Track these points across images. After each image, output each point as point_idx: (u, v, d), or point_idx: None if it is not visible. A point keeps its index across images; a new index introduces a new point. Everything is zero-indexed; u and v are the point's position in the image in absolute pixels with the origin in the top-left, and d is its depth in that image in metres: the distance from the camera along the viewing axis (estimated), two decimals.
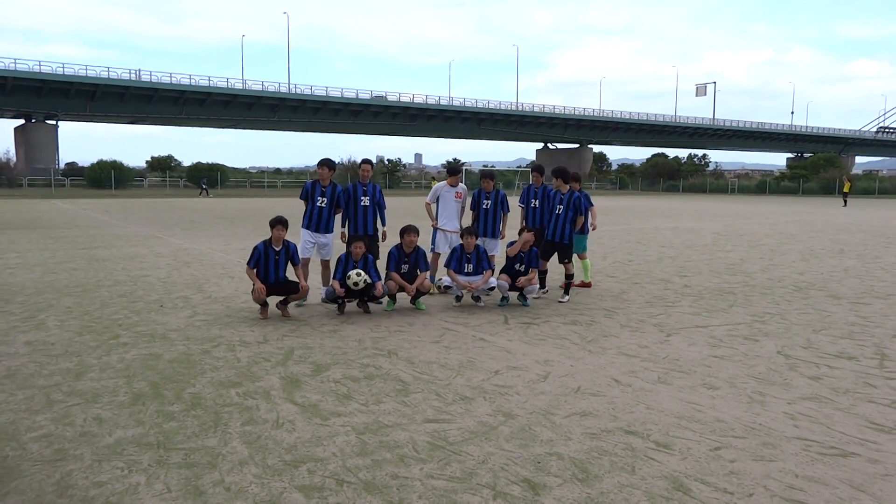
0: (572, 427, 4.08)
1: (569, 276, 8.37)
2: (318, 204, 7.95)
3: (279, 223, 7.20)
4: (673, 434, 3.98)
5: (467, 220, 8.87)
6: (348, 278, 7.10)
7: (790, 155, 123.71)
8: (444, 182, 8.83)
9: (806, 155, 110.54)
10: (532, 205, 8.92)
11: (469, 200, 8.84)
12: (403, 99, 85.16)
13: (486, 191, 8.69)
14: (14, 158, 69.55)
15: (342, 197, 8.12)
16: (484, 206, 8.69)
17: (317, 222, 7.99)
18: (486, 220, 8.66)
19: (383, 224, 8.35)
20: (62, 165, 74.91)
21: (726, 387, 4.90)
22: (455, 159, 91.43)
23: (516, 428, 4.06)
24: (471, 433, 3.97)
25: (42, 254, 12.74)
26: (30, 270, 10.54)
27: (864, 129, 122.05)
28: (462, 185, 8.82)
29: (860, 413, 4.39)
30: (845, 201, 41.50)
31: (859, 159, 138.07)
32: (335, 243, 8.24)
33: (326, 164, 7.99)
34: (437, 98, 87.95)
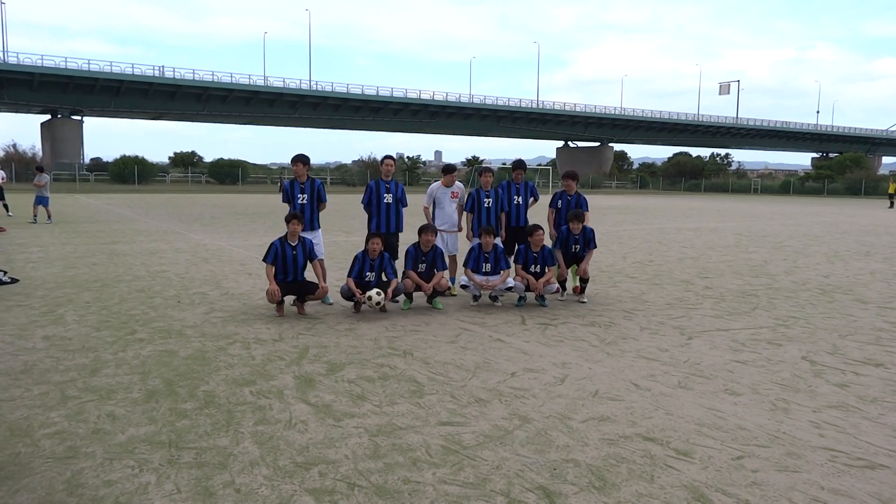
0: (589, 432, 3.99)
1: (584, 281, 8.25)
2: (299, 202, 7.76)
3: (294, 218, 7.17)
4: (693, 441, 3.87)
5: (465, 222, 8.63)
6: (369, 299, 7.00)
7: (815, 155, 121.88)
8: (439, 183, 8.54)
9: (831, 155, 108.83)
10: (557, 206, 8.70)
11: (466, 200, 8.47)
12: (423, 96, 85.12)
13: (486, 189, 8.39)
14: (40, 153, 70.67)
15: (322, 190, 7.96)
16: (485, 206, 8.36)
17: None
18: (490, 220, 8.35)
19: (401, 224, 8.20)
20: (87, 160, 75.99)
21: (749, 393, 4.77)
22: (475, 157, 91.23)
23: (532, 432, 3.98)
24: (485, 437, 3.90)
25: (64, 248, 12.87)
26: (51, 265, 10.64)
27: (891, 129, 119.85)
28: (458, 184, 8.56)
29: (889, 423, 4.24)
30: (892, 203, 40.46)
31: (886, 159, 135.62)
32: (325, 240, 8.03)
33: (301, 160, 7.77)
34: (458, 95, 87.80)
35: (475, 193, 8.45)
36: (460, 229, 8.64)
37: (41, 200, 19.28)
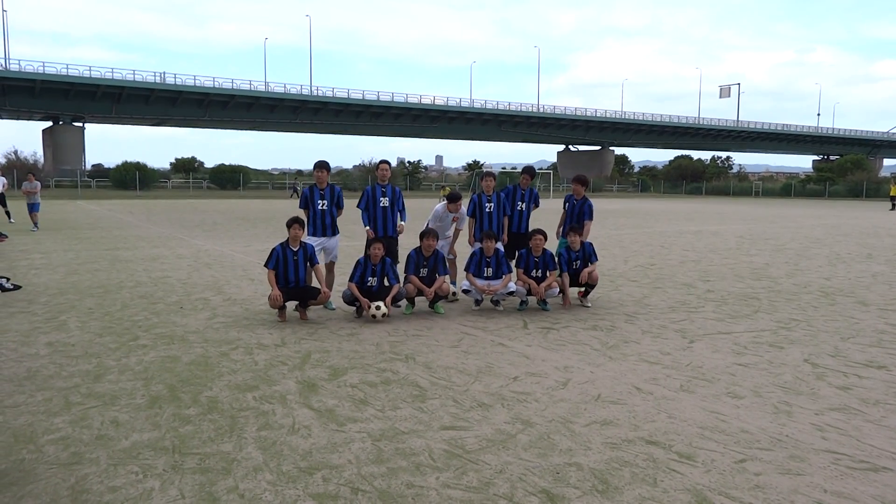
0: (592, 436, 4.00)
1: (590, 286, 8.23)
2: (319, 207, 7.83)
3: (296, 222, 7.19)
4: (696, 445, 3.88)
5: (464, 234, 8.65)
6: (367, 311, 7.06)
7: (816, 157, 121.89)
8: (444, 205, 8.51)
9: (832, 157, 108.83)
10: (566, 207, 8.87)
11: (468, 206, 8.46)
12: (424, 101, 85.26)
13: (487, 193, 8.37)
14: (42, 160, 70.80)
15: (342, 197, 8.03)
16: (486, 210, 8.34)
17: (321, 226, 7.86)
18: (492, 226, 8.32)
19: (403, 220, 8.20)
20: (88, 167, 76.12)
21: (751, 396, 4.78)
22: (475, 161, 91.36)
23: (535, 436, 3.98)
24: (488, 441, 3.91)
25: (66, 254, 12.90)
26: (53, 271, 10.66)
27: (892, 131, 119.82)
28: (462, 210, 8.52)
29: (891, 425, 4.24)
30: (894, 205, 40.54)
31: (887, 162, 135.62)
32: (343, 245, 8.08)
33: (324, 166, 7.85)
34: (458, 100, 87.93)
35: (476, 198, 8.45)
36: (454, 255, 8.71)
37: (35, 207, 18.86)
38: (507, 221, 8.45)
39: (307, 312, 7.31)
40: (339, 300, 7.81)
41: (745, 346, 6.24)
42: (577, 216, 8.62)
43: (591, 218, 8.62)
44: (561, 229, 8.82)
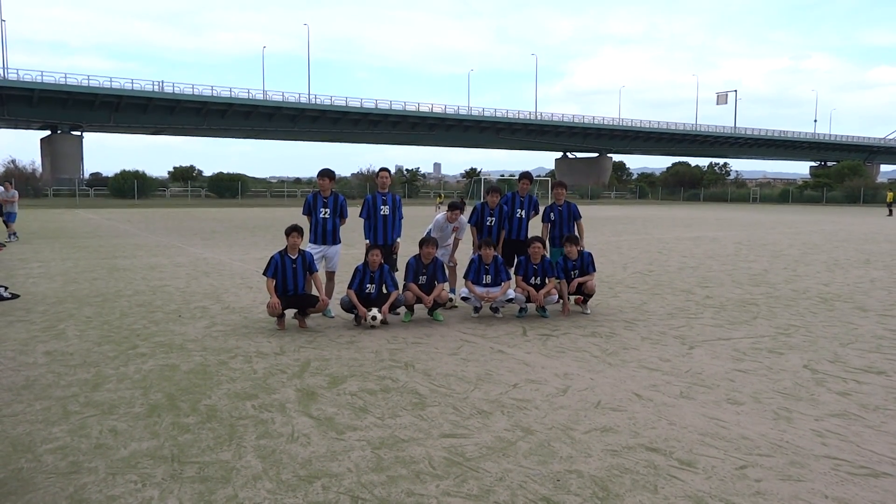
0: (592, 443, 3.99)
1: (588, 295, 8.21)
2: (321, 216, 7.85)
3: (294, 230, 7.19)
4: (696, 451, 3.87)
5: (467, 241, 8.67)
6: (364, 319, 7.09)
7: (813, 163, 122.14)
8: (444, 216, 8.51)
9: (829, 163, 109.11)
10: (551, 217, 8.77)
11: (471, 214, 8.51)
12: (422, 108, 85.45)
13: (490, 206, 8.40)
14: (40, 169, 70.80)
15: (345, 206, 8.05)
16: (487, 223, 8.39)
17: (322, 234, 7.88)
18: (491, 237, 8.32)
19: (397, 235, 8.23)
20: (86, 176, 76.08)
21: (751, 402, 4.77)
22: (472, 168, 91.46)
23: (535, 444, 3.98)
24: (488, 449, 3.90)
25: (64, 263, 12.88)
26: (52, 280, 10.65)
27: (889, 137, 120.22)
28: (461, 219, 8.52)
29: (891, 431, 4.24)
30: (891, 211, 40.78)
31: (884, 167, 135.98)
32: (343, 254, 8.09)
33: (327, 174, 7.87)
34: (456, 107, 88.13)
35: (479, 207, 8.48)
36: (454, 263, 8.74)
37: (12, 217, 18.09)
38: (502, 235, 8.47)
39: (306, 320, 7.30)
40: (337, 308, 7.81)
41: (744, 352, 6.24)
42: (566, 221, 8.60)
43: (580, 216, 8.68)
44: (547, 239, 8.74)
